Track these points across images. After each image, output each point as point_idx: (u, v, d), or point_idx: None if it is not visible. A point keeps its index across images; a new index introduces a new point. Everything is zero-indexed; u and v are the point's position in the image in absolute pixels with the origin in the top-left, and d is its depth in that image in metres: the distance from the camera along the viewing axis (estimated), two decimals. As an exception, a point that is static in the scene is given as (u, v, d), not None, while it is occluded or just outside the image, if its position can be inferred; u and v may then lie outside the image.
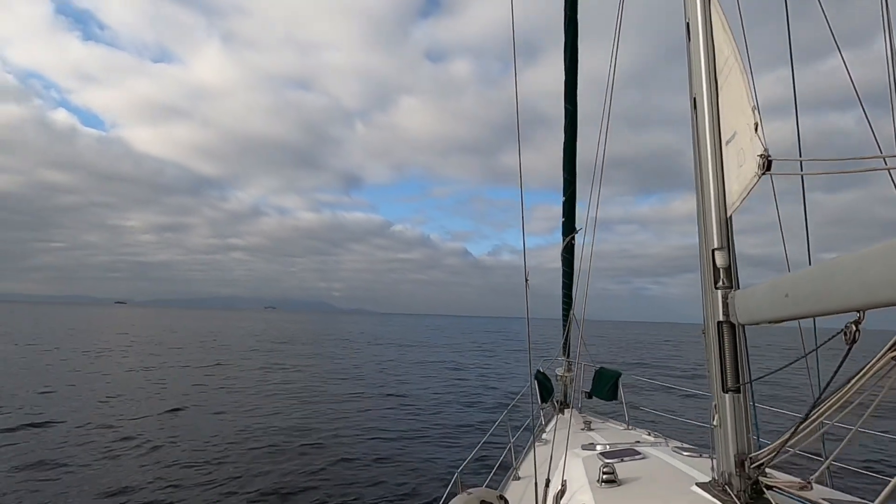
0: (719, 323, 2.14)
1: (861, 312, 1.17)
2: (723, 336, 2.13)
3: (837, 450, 1.75)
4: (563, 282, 6.12)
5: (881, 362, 1.17)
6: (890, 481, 1.21)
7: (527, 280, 3.07)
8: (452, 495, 2.31)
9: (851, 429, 1.64)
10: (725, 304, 2.11)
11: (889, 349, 1.14)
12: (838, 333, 1.23)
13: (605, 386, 5.66)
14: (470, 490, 2.10)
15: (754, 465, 2.06)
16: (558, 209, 5.92)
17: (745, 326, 2.10)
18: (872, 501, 1.33)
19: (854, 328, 1.19)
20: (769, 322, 1.72)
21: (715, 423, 2.26)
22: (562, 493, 2.92)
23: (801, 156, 2.11)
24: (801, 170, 1.87)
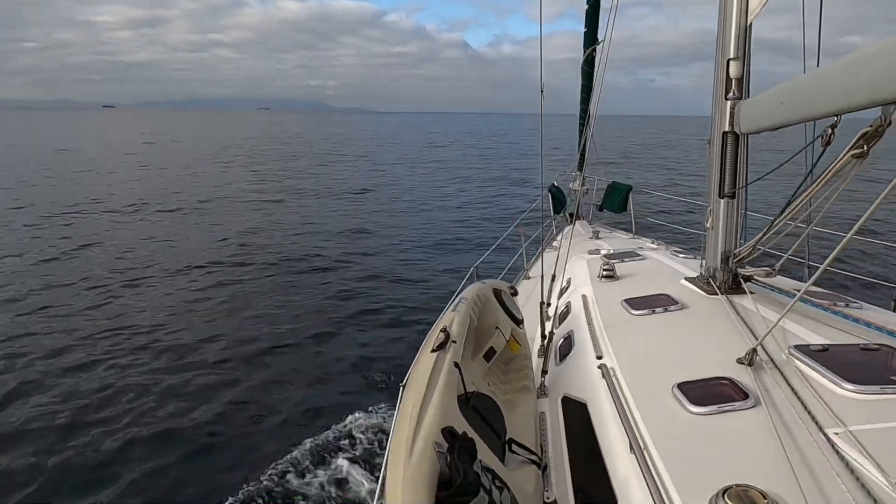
0: (724, 133, 2.24)
1: (838, 117, 1.27)
2: (726, 145, 2.25)
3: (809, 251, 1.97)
4: (581, 96, 6.02)
5: (842, 161, 1.29)
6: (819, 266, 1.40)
7: (542, 92, 3.08)
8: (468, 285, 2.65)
9: (831, 233, 1.83)
10: (732, 115, 2.19)
11: (850, 149, 1.26)
12: (817, 138, 1.34)
13: (617, 199, 5.91)
14: (485, 280, 2.39)
15: (736, 259, 2.33)
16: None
17: (748, 136, 2.20)
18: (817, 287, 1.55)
19: (830, 132, 1.30)
20: (768, 129, 1.83)
21: (708, 225, 2.49)
22: (566, 287, 3.31)
23: None
24: None
